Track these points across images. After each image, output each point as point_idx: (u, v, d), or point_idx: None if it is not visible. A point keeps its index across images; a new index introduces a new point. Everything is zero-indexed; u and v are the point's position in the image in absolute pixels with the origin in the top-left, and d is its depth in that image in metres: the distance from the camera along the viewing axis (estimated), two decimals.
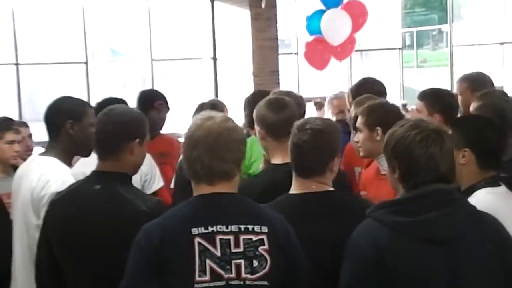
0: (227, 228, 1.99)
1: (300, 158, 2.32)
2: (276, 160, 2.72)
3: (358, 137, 2.99)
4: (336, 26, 8.35)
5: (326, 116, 4.49)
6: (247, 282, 1.98)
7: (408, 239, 1.94)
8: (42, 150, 2.84)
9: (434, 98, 3.44)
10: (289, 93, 3.41)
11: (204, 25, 10.58)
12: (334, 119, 4.36)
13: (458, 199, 2.04)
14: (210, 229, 1.98)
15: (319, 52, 8.58)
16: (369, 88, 3.84)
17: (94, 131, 2.46)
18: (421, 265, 1.93)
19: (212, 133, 2.05)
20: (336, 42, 8.46)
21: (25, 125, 4.22)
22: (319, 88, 9.90)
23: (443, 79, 13.20)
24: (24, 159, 3.99)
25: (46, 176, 2.61)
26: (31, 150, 4.14)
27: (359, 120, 2.99)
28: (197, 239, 1.96)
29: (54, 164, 2.67)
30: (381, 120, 2.87)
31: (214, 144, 2.04)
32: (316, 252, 2.17)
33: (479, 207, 2.12)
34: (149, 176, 3.48)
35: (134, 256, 1.99)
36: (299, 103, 3.37)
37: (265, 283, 2.00)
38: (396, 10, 12.42)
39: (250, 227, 2.02)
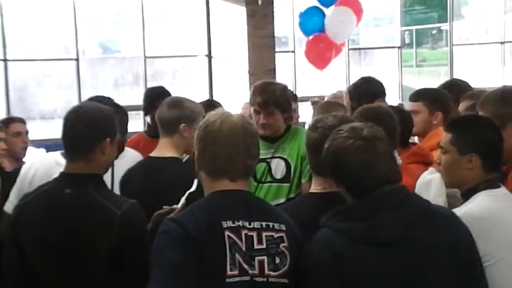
0: (250, 224, 2.03)
1: (314, 157, 2.34)
2: None
3: None
4: (340, 23, 8.28)
5: None
6: (270, 279, 2.02)
7: (362, 244, 2.01)
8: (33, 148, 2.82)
9: (434, 97, 3.43)
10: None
11: (199, 22, 10.53)
12: None
13: (407, 198, 2.09)
14: (236, 223, 2.02)
15: (321, 51, 8.50)
16: (369, 88, 3.83)
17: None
18: (376, 269, 1.99)
19: (238, 127, 2.11)
20: (340, 40, 8.39)
21: (22, 121, 4.20)
22: (316, 87, 9.86)
23: (443, 79, 13.19)
24: (18, 156, 3.98)
25: None
26: (26, 147, 4.13)
27: None
28: (227, 232, 2.00)
29: None
30: None
31: (242, 139, 2.10)
32: None
33: (478, 209, 2.21)
34: None
35: (168, 244, 1.94)
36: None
37: (286, 281, 2.04)
38: (395, 8, 12.39)
39: (270, 224, 2.06)
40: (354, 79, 11.83)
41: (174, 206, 2.50)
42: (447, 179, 2.56)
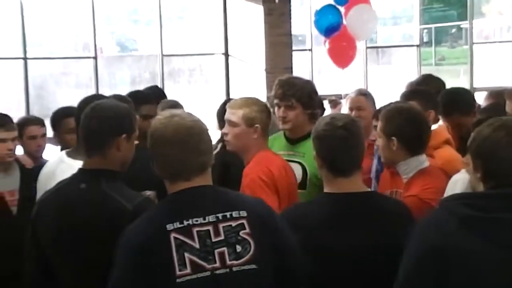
0: (204, 219, 2.04)
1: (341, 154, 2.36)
2: None
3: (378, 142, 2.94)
4: (361, 22, 8.28)
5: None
6: (234, 269, 2.02)
7: (474, 236, 1.86)
8: (52, 147, 2.91)
9: (427, 96, 3.50)
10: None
11: (216, 20, 10.58)
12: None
13: None
14: (185, 222, 2.02)
15: (344, 49, 8.51)
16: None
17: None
18: (483, 265, 1.85)
19: (182, 128, 2.10)
20: (362, 39, 8.35)
21: (39, 123, 4.22)
22: (333, 86, 9.87)
23: (462, 78, 13.14)
24: (35, 155, 4.05)
25: None
26: (43, 150, 4.15)
27: (378, 124, 2.94)
28: (173, 234, 2.01)
29: None
30: (398, 129, 2.80)
31: (188, 138, 2.09)
32: (362, 258, 2.24)
33: None
34: None
35: (118, 259, 2.04)
36: None
37: (254, 266, 2.03)
38: (414, 6, 12.36)
39: (228, 214, 2.06)
40: (371, 78, 11.91)
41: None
42: (473, 180, 2.40)
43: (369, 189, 2.57)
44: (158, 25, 10.39)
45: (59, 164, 2.98)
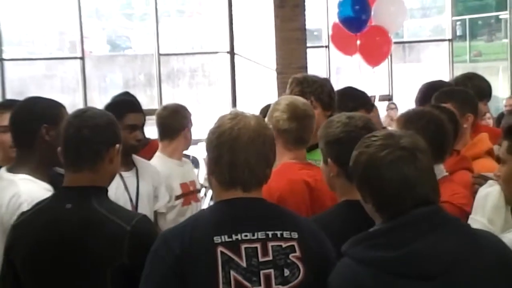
0: (253, 235, 2.09)
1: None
2: None
3: None
4: (389, 14, 8.30)
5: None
6: None
7: (393, 277, 1.94)
8: None
9: (464, 98, 3.46)
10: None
11: (220, 14, 10.59)
12: None
13: (447, 222, 2.02)
14: (234, 237, 2.08)
15: (378, 45, 8.50)
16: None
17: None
18: None
19: (257, 134, 2.17)
20: (390, 33, 8.37)
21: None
22: (353, 86, 9.82)
23: (502, 76, 13.08)
24: None
25: (18, 199, 2.58)
26: None
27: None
28: (220, 248, 2.06)
29: (27, 183, 2.65)
30: None
31: (262, 147, 2.17)
32: None
33: None
34: (157, 193, 3.79)
35: (153, 266, 2.09)
36: None
37: None
38: None
39: (279, 233, 2.12)
40: (397, 77, 11.85)
41: None
42: (507, 193, 2.52)
43: None
44: (154, 21, 10.43)
45: None
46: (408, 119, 2.89)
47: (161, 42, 10.55)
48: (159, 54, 10.52)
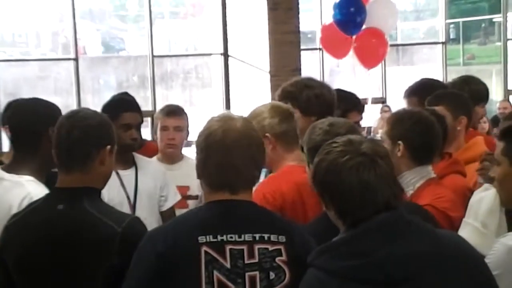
0: (239, 237, 2.10)
1: None
2: None
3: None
4: (381, 16, 8.31)
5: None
6: None
7: (359, 285, 1.94)
8: None
9: (457, 100, 3.47)
10: None
11: (214, 16, 10.59)
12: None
13: (409, 226, 2.02)
14: (219, 238, 2.09)
15: (374, 47, 8.50)
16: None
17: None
18: None
19: (244, 137, 2.18)
20: (387, 32, 8.36)
21: None
22: (347, 89, 9.83)
23: (495, 79, 13.10)
24: None
25: (31, 200, 2.53)
26: None
27: (383, 128, 2.99)
28: (204, 248, 2.07)
29: (33, 184, 2.65)
30: (404, 133, 2.85)
31: (248, 149, 2.18)
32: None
33: None
34: (165, 193, 3.78)
35: (137, 262, 2.11)
36: None
37: None
38: None
39: (266, 236, 2.12)
40: (391, 80, 11.87)
41: None
42: (502, 196, 2.51)
43: None
44: (148, 22, 10.42)
45: None
46: (397, 119, 2.92)
47: (155, 44, 10.53)
48: (153, 56, 10.51)
